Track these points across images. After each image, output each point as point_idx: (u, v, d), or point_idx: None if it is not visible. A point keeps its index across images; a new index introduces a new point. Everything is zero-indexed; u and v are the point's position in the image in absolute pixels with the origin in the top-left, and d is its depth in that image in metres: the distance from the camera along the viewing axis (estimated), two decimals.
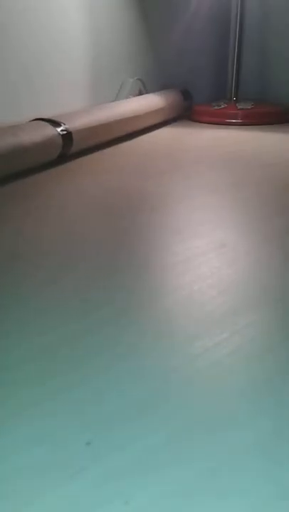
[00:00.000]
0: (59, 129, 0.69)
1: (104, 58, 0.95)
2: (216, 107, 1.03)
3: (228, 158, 0.74)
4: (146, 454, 0.22)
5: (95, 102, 0.93)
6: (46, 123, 0.69)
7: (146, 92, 1.02)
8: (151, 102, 0.93)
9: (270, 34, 1.13)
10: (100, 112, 0.80)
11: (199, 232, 0.47)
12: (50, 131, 0.68)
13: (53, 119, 0.70)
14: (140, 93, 1.01)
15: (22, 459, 0.22)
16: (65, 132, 0.70)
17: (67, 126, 0.70)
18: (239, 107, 1.02)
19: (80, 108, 0.87)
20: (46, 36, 0.84)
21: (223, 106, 1.03)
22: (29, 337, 0.31)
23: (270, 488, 0.20)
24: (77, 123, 0.73)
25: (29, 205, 0.55)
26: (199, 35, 1.12)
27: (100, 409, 0.25)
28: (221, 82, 1.20)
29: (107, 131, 0.79)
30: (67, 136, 0.70)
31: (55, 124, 0.69)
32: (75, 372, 0.28)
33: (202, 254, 0.42)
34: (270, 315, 0.33)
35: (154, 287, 0.37)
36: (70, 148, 0.71)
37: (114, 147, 0.81)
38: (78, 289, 0.37)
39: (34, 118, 0.71)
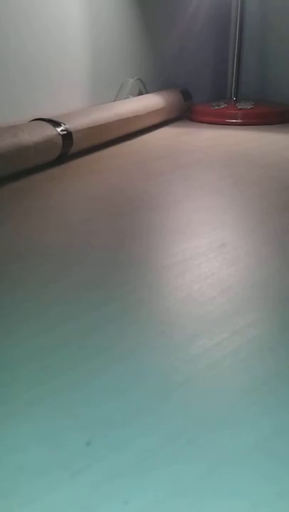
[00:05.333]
0: (59, 129, 0.69)
1: (104, 58, 0.95)
2: (215, 107, 1.02)
3: (228, 158, 0.74)
4: (146, 453, 0.22)
5: (95, 102, 0.93)
6: (46, 123, 0.69)
7: (146, 92, 1.02)
8: (151, 102, 0.93)
9: (271, 34, 1.13)
10: (100, 112, 0.80)
11: (199, 232, 0.47)
12: (50, 131, 0.68)
13: (53, 119, 0.70)
14: (140, 93, 1.01)
15: (22, 458, 0.22)
16: (65, 132, 0.70)
17: (67, 126, 0.70)
18: (239, 107, 1.02)
19: (80, 108, 0.87)
20: (46, 36, 0.84)
21: (223, 106, 1.03)
22: (29, 337, 0.31)
23: (270, 488, 0.20)
24: (77, 123, 0.73)
25: (29, 205, 0.55)
26: (199, 35, 1.12)
27: (100, 409, 0.25)
28: (221, 82, 1.20)
29: (107, 131, 0.79)
30: (67, 136, 0.70)
31: (55, 124, 0.69)
32: (75, 372, 0.28)
33: (202, 254, 0.42)
34: (270, 315, 0.33)
35: (153, 287, 0.37)
36: (70, 148, 0.71)
37: (114, 147, 0.81)
38: (78, 289, 0.37)
39: (34, 118, 0.71)
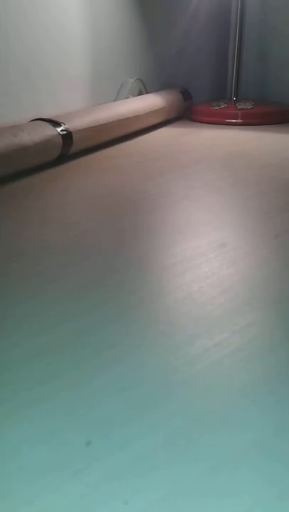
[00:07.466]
0: (59, 129, 0.69)
1: (104, 58, 0.95)
2: (216, 107, 1.02)
3: (228, 158, 0.74)
4: (146, 453, 0.22)
5: (95, 102, 0.93)
6: (46, 123, 0.69)
7: (147, 92, 1.02)
8: (151, 102, 0.93)
9: (270, 34, 1.13)
10: (100, 112, 0.80)
11: (199, 232, 0.47)
12: (50, 131, 0.68)
13: (53, 119, 0.70)
14: (140, 93, 1.01)
15: (22, 458, 0.22)
16: (65, 132, 0.70)
17: (67, 126, 0.70)
18: (239, 107, 1.02)
19: (80, 108, 0.87)
20: (46, 36, 0.84)
21: (223, 106, 1.03)
22: (29, 337, 0.31)
23: (270, 488, 0.20)
24: (77, 123, 0.73)
25: (29, 205, 0.55)
26: (199, 35, 1.12)
27: (100, 409, 0.25)
28: (221, 82, 1.20)
29: (107, 131, 0.79)
30: (67, 136, 0.70)
31: (55, 124, 0.69)
32: (75, 372, 0.28)
33: (202, 254, 0.42)
34: (270, 315, 0.33)
35: (154, 287, 0.37)
36: (70, 148, 0.71)
37: (114, 147, 0.81)
38: (78, 289, 0.37)
39: (34, 118, 0.71)
